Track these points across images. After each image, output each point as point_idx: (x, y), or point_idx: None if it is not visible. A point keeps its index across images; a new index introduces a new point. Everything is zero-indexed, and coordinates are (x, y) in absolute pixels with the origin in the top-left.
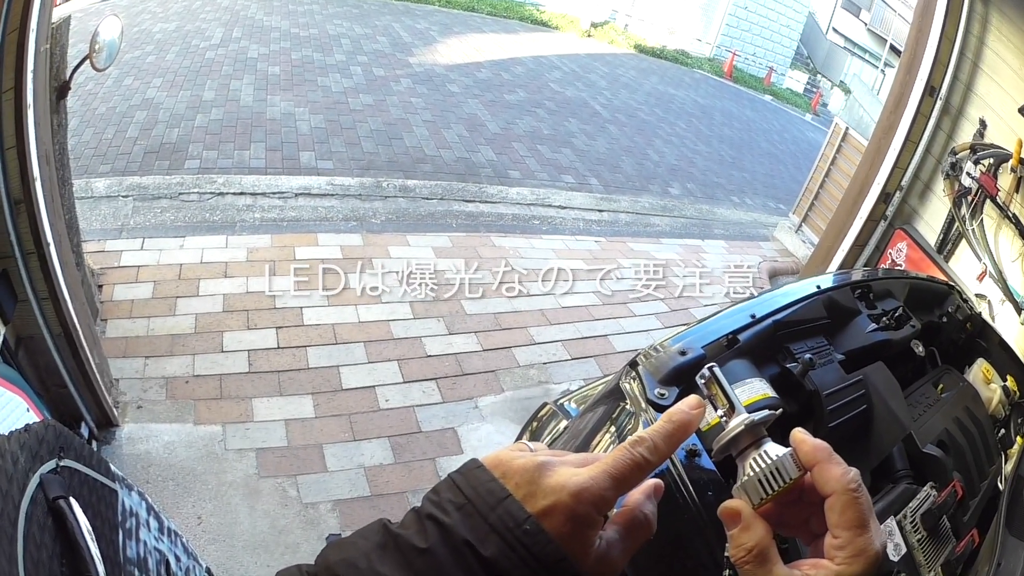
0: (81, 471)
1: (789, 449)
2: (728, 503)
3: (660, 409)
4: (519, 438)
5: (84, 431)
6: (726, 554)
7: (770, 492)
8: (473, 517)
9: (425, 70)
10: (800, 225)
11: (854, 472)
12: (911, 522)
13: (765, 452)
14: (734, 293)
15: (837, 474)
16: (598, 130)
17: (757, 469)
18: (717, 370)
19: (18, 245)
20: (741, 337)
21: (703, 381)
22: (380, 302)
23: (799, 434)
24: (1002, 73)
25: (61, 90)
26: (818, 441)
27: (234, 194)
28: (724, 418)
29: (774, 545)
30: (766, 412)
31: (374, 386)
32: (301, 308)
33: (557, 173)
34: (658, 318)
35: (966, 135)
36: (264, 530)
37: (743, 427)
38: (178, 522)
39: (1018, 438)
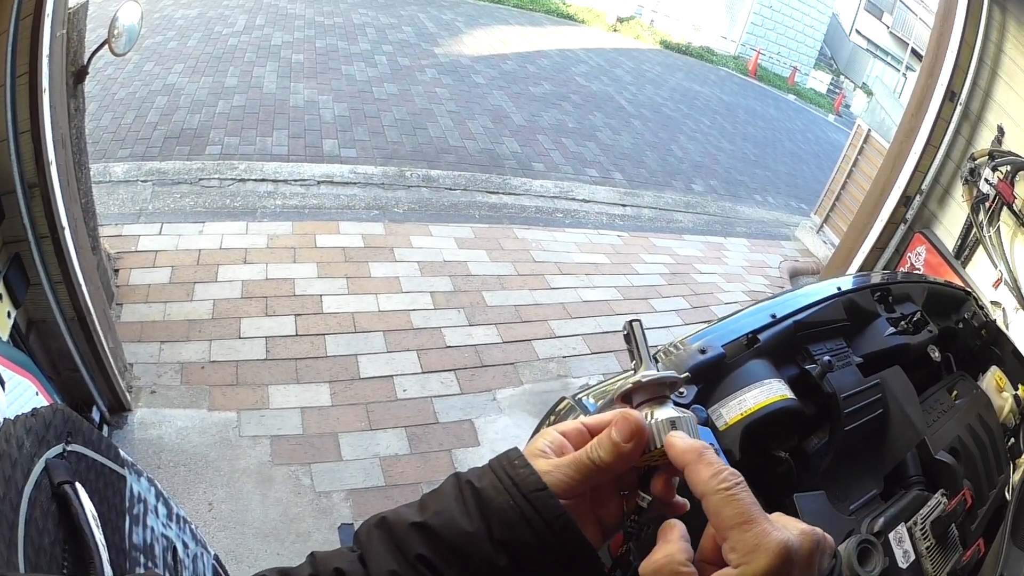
0: (89, 456)
1: (681, 415)
2: (669, 521)
3: (678, 407)
4: (536, 432)
5: (96, 415)
6: (633, 506)
7: (649, 449)
8: (483, 468)
9: (450, 61)
10: (821, 226)
11: (727, 471)
12: (921, 529)
13: (654, 412)
14: (754, 291)
15: (705, 476)
16: (623, 125)
17: (649, 425)
18: (637, 326)
19: (31, 229)
20: (761, 337)
21: (624, 333)
22: (400, 291)
23: (672, 436)
24: (1020, 81)
25: (79, 75)
26: (691, 442)
27: (255, 180)
28: (633, 370)
29: (689, 566)
30: (668, 373)
31: (392, 376)
32: (321, 296)
33: (581, 167)
34: (679, 314)
35: (985, 141)
36: (276, 518)
37: (639, 381)
38: (189, 508)
39: None
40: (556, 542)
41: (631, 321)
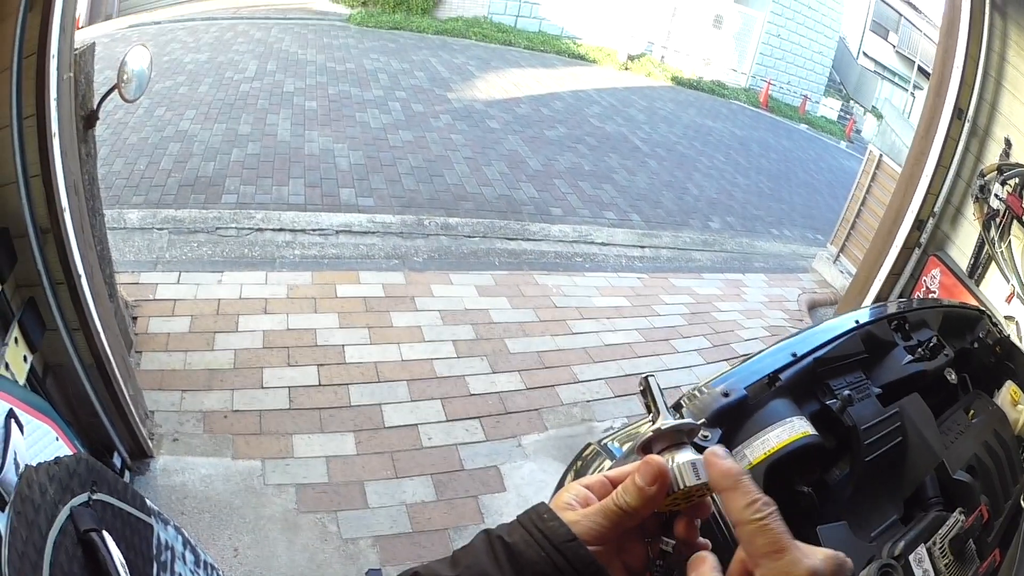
0: (115, 505)
1: (700, 457)
2: (700, 553)
3: (701, 451)
4: (564, 477)
5: (117, 461)
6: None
7: (671, 492)
8: (512, 523)
9: (464, 106)
10: (838, 255)
11: (762, 500)
12: (940, 548)
13: (674, 457)
14: (774, 326)
15: (740, 505)
16: (638, 165)
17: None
18: (652, 381)
19: (46, 274)
20: (782, 376)
21: (640, 388)
22: (423, 340)
23: (711, 456)
24: (1023, 89)
25: (88, 119)
26: (729, 466)
27: (273, 230)
28: (651, 421)
29: None
30: (685, 421)
31: (417, 424)
32: (343, 346)
33: (599, 210)
34: (700, 354)
35: (993, 156)
36: (302, 564)
37: (658, 430)
38: (214, 554)
39: None
40: None
41: (646, 377)
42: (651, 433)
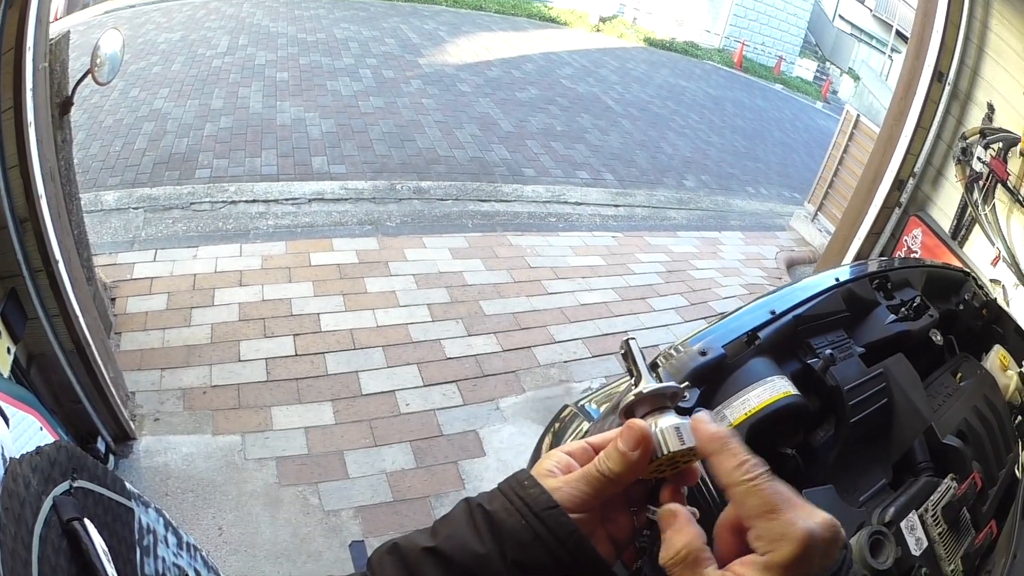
0: (95, 491)
1: (684, 421)
2: (668, 506)
3: (681, 412)
4: (542, 440)
5: (101, 446)
6: (644, 521)
7: (655, 457)
8: (492, 491)
9: (435, 71)
10: (816, 214)
11: (750, 461)
12: (932, 516)
13: (657, 421)
14: (752, 284)
15: (729, 466)
16: (611, 125)
17: (654, 434)
18: (633, 344)
19: (25, 263)
20: (761, 334)
21: (622, 352)
22: (398, 305)
23: (698, 421)
24: (1007, 57)
25: (64, 106)
26: (715, 429)
27: (246, 202)
28: (633, 384)
29: (707, 550)
30: (668, 384)
31: (394, 390)
32: (318, 314)
33: (572, 169)
34: (678, 312)
35: (975, 120)
36: (286, 539)
37: (640, 393)
38: (199, 534)
39: None
40: (570, 560)
41: (627, 340)
42: (632, 397)
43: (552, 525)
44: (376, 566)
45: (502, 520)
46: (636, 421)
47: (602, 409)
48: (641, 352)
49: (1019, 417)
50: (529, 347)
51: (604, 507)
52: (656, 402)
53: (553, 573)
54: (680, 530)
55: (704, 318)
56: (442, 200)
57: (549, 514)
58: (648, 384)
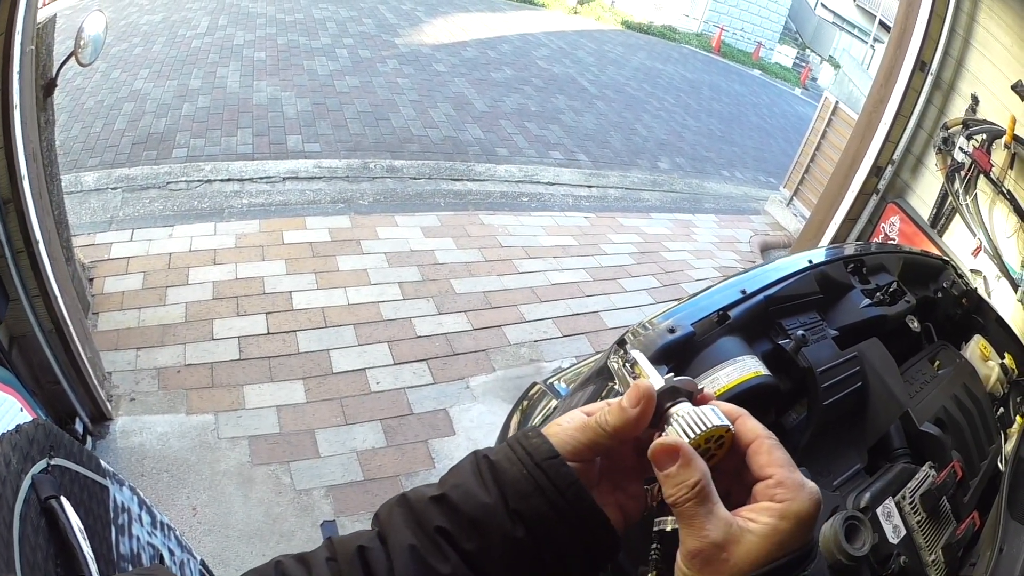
0: (72, 469)
1: (718, 404)
2: (662, 440)
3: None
4: (510, 417)
5: (79, 426)
6: (658, 499)
7: (694, 435)
8: (500, 444)
9: (411, 50)
10: (791, 199)
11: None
12: (910, 503)
13: (682, 407)
14: (725, 267)
15: (757, 425)
16: (586, 106)
17: (680, 418)
18: (638, 354)
19: (8, 244)
20: (732, 313)
21: (629, 365)
22: (369, 283)
23: (717, 404)
24: (993, 50)
25: (48, 87)
26: (733, 406)
27: (222, 181)
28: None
29: (713, 484)
30: (683, 378)
31: (365, 369)
32: (290, 292)
33: (545, 150)
34: (649, 293)
35: (958, 110)
36: (259, 519)
37: (670, 380)
38: (173, 514)
39: (1017, 417)
40: (569, 509)
41: (630, 351)
42: (664, 384)
43: (552, 474)
44: (384, 517)
45: (505, 469)
46: (643, 381)
47: (570, 388)
48: (647, 360)
49: (1000, 408)
50: (500, 326)
51: (616, 475)
52: (674, 395)
53: (553, 522)
54: (688, 463)
55: (676, 299)
56: (415, 179)
57: (549, 464)
58: (665, 378)
